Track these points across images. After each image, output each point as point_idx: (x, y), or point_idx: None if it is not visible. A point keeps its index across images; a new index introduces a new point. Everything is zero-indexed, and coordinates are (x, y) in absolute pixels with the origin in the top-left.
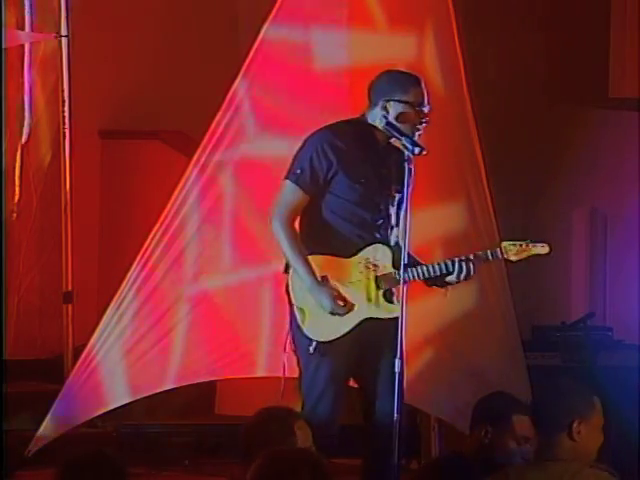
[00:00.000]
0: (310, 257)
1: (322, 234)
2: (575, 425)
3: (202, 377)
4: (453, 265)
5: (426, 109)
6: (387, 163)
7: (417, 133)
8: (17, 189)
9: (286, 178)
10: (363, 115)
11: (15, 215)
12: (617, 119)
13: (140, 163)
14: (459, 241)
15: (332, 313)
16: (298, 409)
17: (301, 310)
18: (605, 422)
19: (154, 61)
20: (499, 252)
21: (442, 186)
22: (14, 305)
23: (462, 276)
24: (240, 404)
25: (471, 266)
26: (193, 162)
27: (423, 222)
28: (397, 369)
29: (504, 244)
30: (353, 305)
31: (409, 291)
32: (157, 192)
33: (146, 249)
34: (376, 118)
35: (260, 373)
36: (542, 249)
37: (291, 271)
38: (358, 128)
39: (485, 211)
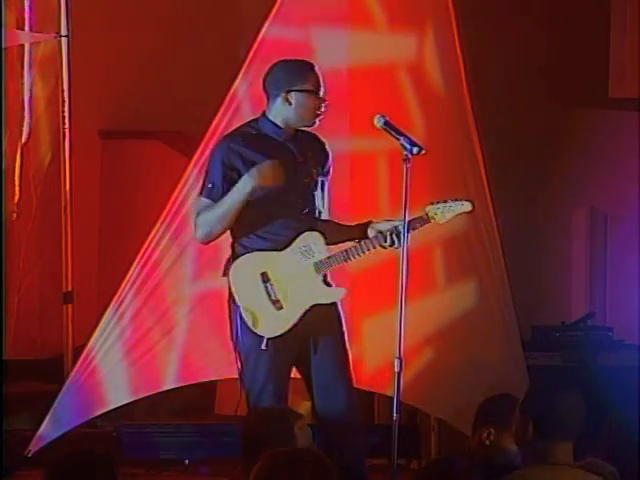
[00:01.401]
0: (248, 255)
1: (253, 233)
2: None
3: (202, 377)
4: (385, 238)
5: (322, 93)
6: (301, 151)
7: (318, 119)
8: (17, 189)
9: (200, 194)
10: (263, 112)
11: (15, 215)
12: (617, 119)
13: (140, 163)
14: (459, 240)
15: (269, 171)
16: (297, 409)
17: (247, 309)
18: (605, 422)
19: (154, 61)
20: (425, 218)
21: (442, 186)
22: (14, 305)
23: (394, 246)
24: (240, 404)
25: (402, 237)
26: (193, 162)
27: None
28: (397, 369)
29: (428, 208)
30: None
31: (409, 289)
32: (157, 192)
33: (146, 249)
34: (278, 111)
35: None
36: (464, 207)
37: (231, 272)
38: (258, 128)
39: (485, 211)
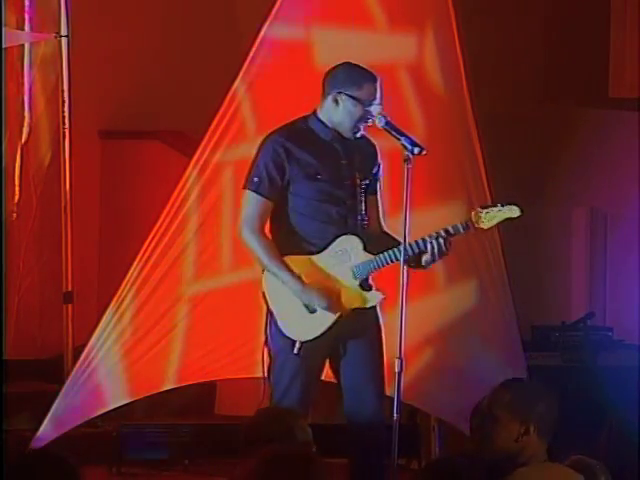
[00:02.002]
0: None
1: (291, 235)
2: None
3: (202, 377)
4: (425, 244)
5: (375, 109)
6: (347, 153)
7: (358, 132)
8: (17, 189)
9: (246, 188)
10: (314, 110)
11: (15, 215)
12: (617, 119)
13: (140, 163)
14: (459, 240)
15: (328, 309)
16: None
17: (279, 312)
18: (605, 422)
19: (154, 61)
20: (469, 223)
21: (442, 186)
22: (14, 305)
23: (436, 253)
24: (240, 404)
25: (442, 242)
26: (193, 162)
27: (423, 222)
28: (397, 369)
29: (473, 213)
30: (340, 296)
31: (409, 289)
32: (157, 192)
33: (146, 249)
34: (326, 110)
35: (260, 373)
36: (512, 212)
37: (265, 274)
38: (308, 125)
39: None
